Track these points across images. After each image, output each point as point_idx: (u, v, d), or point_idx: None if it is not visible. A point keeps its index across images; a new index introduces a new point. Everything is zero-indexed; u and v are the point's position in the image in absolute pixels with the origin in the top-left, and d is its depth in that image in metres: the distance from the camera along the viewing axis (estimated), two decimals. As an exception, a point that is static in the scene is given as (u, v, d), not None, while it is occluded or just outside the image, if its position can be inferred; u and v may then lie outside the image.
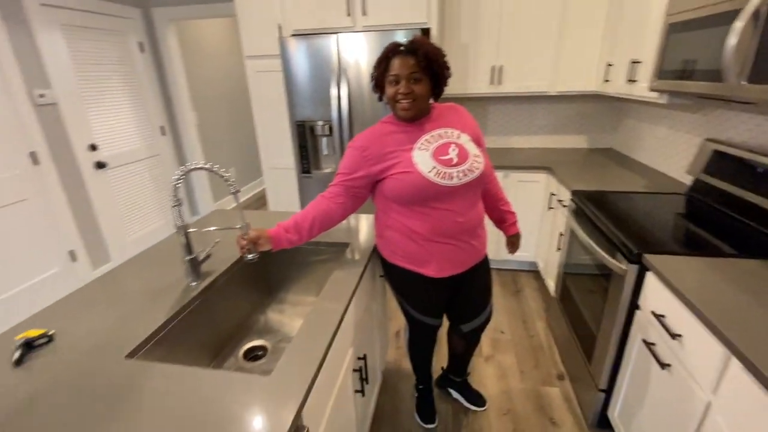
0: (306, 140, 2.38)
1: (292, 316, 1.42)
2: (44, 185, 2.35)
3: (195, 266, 1.14)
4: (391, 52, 1.08)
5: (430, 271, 1.20)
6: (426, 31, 2.16)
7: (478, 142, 1.20)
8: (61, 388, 0.77)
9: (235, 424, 0.67)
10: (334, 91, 2.24)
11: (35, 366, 0.84)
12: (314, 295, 1.52)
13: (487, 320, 1.42)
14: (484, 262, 1.32)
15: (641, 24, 1.85)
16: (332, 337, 0.89)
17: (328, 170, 2.47)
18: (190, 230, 1.09)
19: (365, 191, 1.18)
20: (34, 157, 2.28)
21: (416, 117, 1.13)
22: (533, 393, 1.74)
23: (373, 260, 1.36)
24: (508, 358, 1.95)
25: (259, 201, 4.53)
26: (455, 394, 1.72)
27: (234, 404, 0.71)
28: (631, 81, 1.91)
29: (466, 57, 2.49)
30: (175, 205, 1.05)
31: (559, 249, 2.05)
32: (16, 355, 0.84)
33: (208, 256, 1.19)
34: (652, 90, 1.65)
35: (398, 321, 2.24)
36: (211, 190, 3.80)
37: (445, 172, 1.08)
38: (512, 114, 2.87)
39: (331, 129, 2.33)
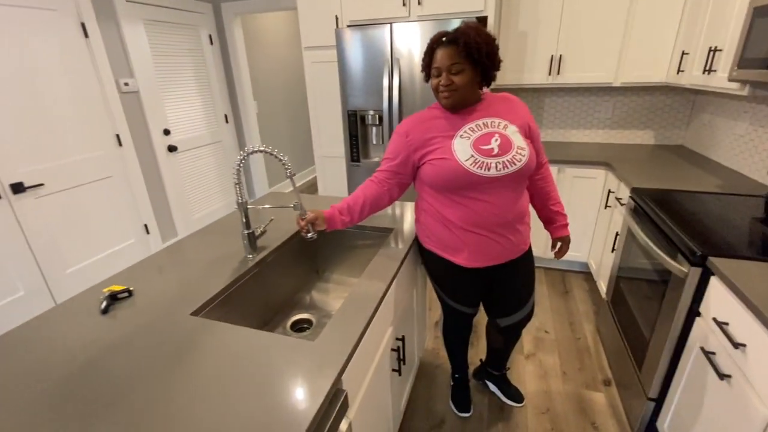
0: (356, 129, 2.45)
1: (335, 295, 1.49)
2: (126, 165, 2.63)
3: (252, 240, 1.23)
4: (435, 42, 1.10)
5: (461, 259, 1.21)
6: (483, 19, 2.12)
7: (528, 135, 1.17)
8: (138, 335, 0.89)
9: (282, 379, 0.73)
10: (385, 81, 2.27)
11: (118, 315, 0.97)
12: (357, 277, 1.58)
13: (527, 317, 1.39)
14: (525, 258, 1.29)
15: (723, 7, 1.68)
16: (373, 313, 0.93)
17: (376, 159, 2.52)
18: (249, 206, 1.19)
19: (409, 177, 1.21)
20: (118, 139, 2.57)
21: (459, 106, 1.13)
22: (575, 395, 1.68)
23: (415, 247, 1.38)
24: (550, 358, 1.90)
25: (310, 188, 4.72)
26: (492, 387, 1.71)
27: (282, 362, 0.78)
28: (709, 71, 1.74)
29: (524, 46, 2.41)
30: (237, 183, 1.15)
31: (614, 250, 1.94)
32: (103, 305, 0.98)
33: (263, 232, 1.29)
34: (732, 80, 1.50)
35: (438, 311, 2.25)
36: (267, 175, 4.02)
37: (483, 162, 1.07)
38: (570, 106, 2.73)
39: (380, 119, 2.38)
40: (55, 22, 2.16)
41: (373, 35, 2.22)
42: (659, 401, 1.37)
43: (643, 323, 1.47)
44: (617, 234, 1.93)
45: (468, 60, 1.05)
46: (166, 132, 2.92)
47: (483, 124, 1.12)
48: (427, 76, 1.16)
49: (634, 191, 1.72)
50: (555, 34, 2.33)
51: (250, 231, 1.23)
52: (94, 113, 2.41)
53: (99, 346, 0.86)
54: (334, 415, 0.73)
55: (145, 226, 2.82)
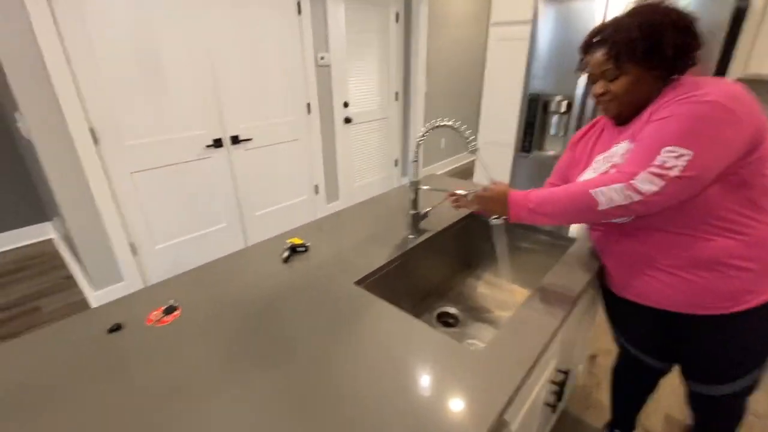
0: (535, 116, 2.18)
1: (484, 295, 1.37)
2: (310, 131, 2.98)
3: (416, 221, 1.20)
4: (585, 44, 0.89)
5: (630, 293, 0.98)
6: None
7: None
8: (310, 288, 0.95)
9: (443, 385, 0.66)
10: (585, 64, 1.92)
11: (295, 266, 1.06)
12: (510, 281, 1.41)
13: (742, 393, 0.99)
14: (736, 319, 0.87)
15: None
16: (549, 341, 0.78)
17: (550, 153, 2.22)
18: (422, 187, 1.14)
19: None
20: (308, 108, 2.91)
21: (626, 115, 0.89)
22: None
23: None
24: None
25: (462, 173, 4.59)
26: None
27: (442, 364, 0.71)
28: None
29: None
30: (415, 161, 1.11)
31: None
32: (285, 254, 1.09)
33: (426, 215, 1.24)
34: None
35: (597, 343, 1.90)
36: (423, 155, 4.05)
37: None
38: None
39: (569, 106, 2.05)
40: (279, 0, 2.51)
41: (580, 9, 1.89)
42: None
43: None
44: None
45: (624, 61, 0.81)
46: (345, 104, 3.17)
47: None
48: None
49: None
50: None
51: (417, 212, 1.19)
52: (295, 83, 2.76)
53: (279, 291, 0.94)
54: (492, 446, 0.63)
55: (316, 186, 3.18)
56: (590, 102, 1.96)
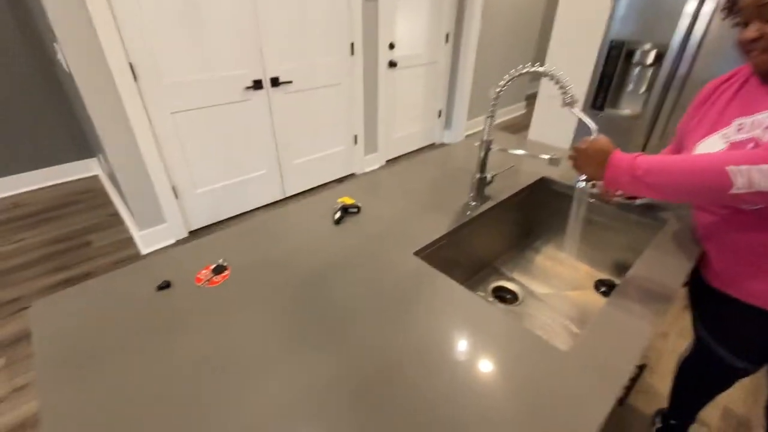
0: (615, 68, 1.89)
1: (545, 271, 1.25)
2: (353, 74, 2.77)
3: (481, 186, 1.06)
4: None
5: (737, 290, 0.82)
6: None
7: None
8: (366, 256, 0.87)
9: (524, 385, 0.57)
10: (689, 6, 1.60)
11: (348, 229, 0.97)
12: (576, 258, 1.28)
13: None
14: None
15: None
16: (642, 351, 0.67)
17: (626, 111, 1.95)
18: (494, 148, 0.99)
19: None
20: (351, 48, 2.67)
21: None
22: None
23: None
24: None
25: (510, 128, 4.27)
26: None
27: (523, 363, 0.61)
28: None
29: None
30: (489, 116, 0.95)
31: None
32: (337, 215, 0.99)
33: (492, 179, 1.10)
34: None
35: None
36: (469, 107, 3.76)
37: None
38: None
39: (659, 57, 1.75)
40: None
41: (695, -70, 1.53)
42: None
43: None
44: None
45: None
46: (391, 46, 2.90)
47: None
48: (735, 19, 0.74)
49: None
50: None
51: (483, 176, 1.05)
52: (339, 19, 2.52)
53: (333, 257, 0.86)
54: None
55: (355, 137, 3.02)
56: (688, 53, 1.65)
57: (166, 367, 0.61)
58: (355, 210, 1.03)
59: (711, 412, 1.40)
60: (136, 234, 2.22)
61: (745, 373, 1.01)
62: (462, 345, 0.65)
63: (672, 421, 1.27)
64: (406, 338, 0.66)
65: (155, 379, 0.59)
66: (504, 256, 1.30)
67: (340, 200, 1.04)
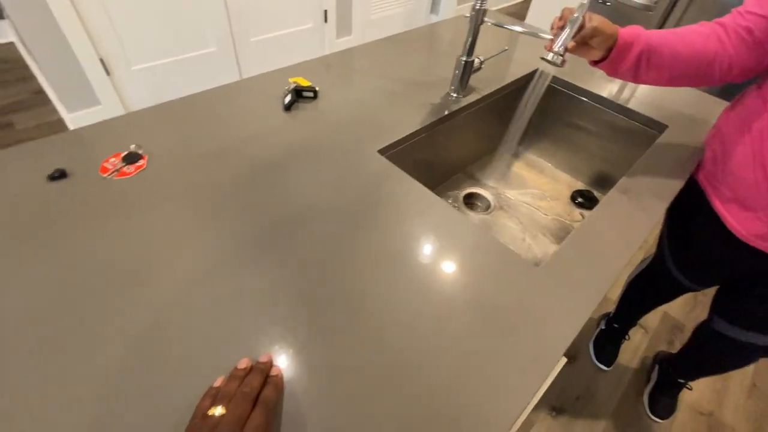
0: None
1: (524, 180, 1.15)
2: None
3: (466, 74, 0.88)
4: None
5: (745, 228, 0.70)
6: None
7: None
8: (321, 145, 0.72)
9: (498, 301, 0.50)
10: None
11: (300, 117, 0.79)
12: (554, 166, 1.19)
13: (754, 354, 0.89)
14: None
15: None
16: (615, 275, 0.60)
17: (638, 1, 1.68)
18: (488, 22, 0.79)
19: None
20: None
21: None
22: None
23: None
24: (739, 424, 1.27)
25: (517, 13, 3.80)
26: (648, 388, 1.30)
27: (496, 277, 0.53)
28: None
29: None
30: (486, -25, 0.73)
31: None
32: (287, 98, 0.80)
33: (481, 66, 0.91)
34: None
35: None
36: (460, -12, 3.25)
37: None
38: None
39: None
40: None
41: None
42: None
43: None
44: None
45: None
46: None
47: None
48: None
49: None
50: None
51: (470, 59, 0.86)
52: None
53: (277, 149, 0.71)
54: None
55: (325, 12, 2.57)
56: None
57: (52, 277, 0.49)
58: (311, 94, 0.84)
59: (650, 317, 1.50)
60: (66, 116, 1.91)
61: (692, 291, 1.02)
62: (426, 253, 0.55)
63: (615, 325, 1.35)
64: (369, 249, 0.56)
65: (36, 291, 0.47)
66: (481, 161, 1.18)
67: (292, 80, 0.84)
